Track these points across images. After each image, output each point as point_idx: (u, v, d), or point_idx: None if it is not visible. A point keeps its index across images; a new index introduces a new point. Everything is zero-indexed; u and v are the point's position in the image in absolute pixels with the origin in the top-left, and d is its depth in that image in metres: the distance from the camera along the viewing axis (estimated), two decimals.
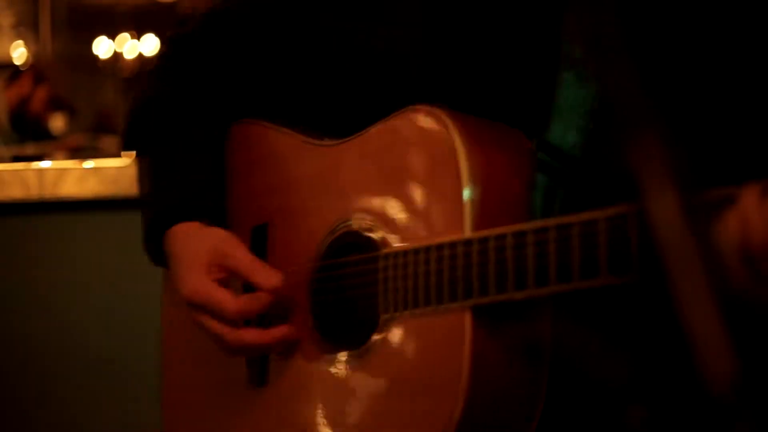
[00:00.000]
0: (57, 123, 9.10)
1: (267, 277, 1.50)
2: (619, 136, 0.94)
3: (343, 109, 1.57)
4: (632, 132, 0.94)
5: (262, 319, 1.54)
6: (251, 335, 1.51)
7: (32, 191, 2.80)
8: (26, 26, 13.18)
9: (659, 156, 0.93)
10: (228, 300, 1.50)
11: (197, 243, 1.56)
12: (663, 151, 0.93)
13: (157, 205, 1.64)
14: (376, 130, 1.46)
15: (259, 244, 1.59)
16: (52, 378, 2.83)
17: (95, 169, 2.82)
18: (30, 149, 7.67)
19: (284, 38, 1.64)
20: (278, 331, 1.51)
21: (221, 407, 1.62)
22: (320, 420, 1.48)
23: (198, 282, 1.52)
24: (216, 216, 1.61)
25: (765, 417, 0.89)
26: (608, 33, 0.98)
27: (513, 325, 1.34)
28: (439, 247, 1.35)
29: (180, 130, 1.67)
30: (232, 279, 1.54)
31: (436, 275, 1.35)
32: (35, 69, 9.75)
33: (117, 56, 13.91)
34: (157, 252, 1.63)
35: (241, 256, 1.52)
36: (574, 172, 1.40)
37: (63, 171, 2.82)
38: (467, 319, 1.32)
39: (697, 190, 0.94)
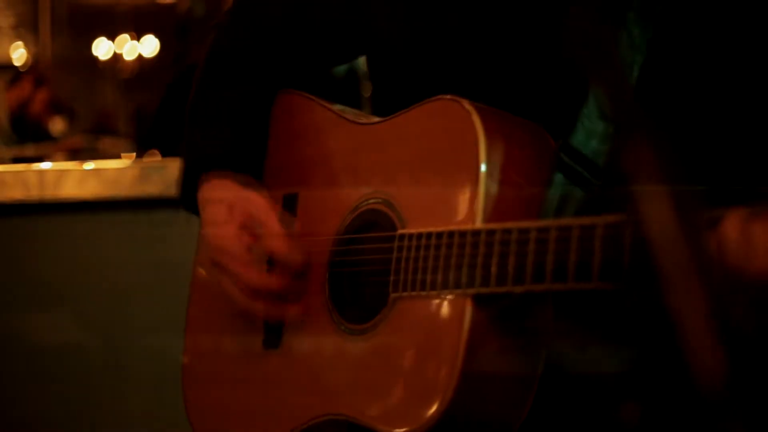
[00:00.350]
0: (57, 126, 9.11)
1: (290, 258, 1.57)
2: (619, 143, 0.95)
3: (380, 99, 1.66)
4: (627, 138, 0.95)
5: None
6: (263, 306, 1.59)
7: (33, 192, 2.81)
8: (26, 27, 13.19)
9: (653, 161, 0.94)
10: (252, 270, 1.58)
11: (234, 192, 1.63)
12: (656, 157, 0.94)
13: (200, 150, 1.70)
14: (404, 116, 1.52)
15: (289, 211, 1.66)
16: (52, 377, 2.85)
17: (95, 171, 2.83)
18: (29, 151, 7.68)
19: (322, 29, 1.70)
20: (291, 308, 1.59)
21: (237, 366, 1.69)
22: (324, 386, 1.54)
23: (229, 236, 1.59)
24: (254, 174, 1.68)
25: (753, 414, 0.91)
26: (604, 40, 1.00)
27: (512, 319, 1.38)
28: (450, 234, 1.39)
29: (238, 85, 1.73)
30: (258, 246, 1.60)
31: (444, 261, 1.40)
32: (36, 72, 9.76)
33: (117, 57, 13.90)
34: (190, 197, 1.69)
35: (274, 227, 1.58)
36: (593, 177, 1.43)
37: (63, 172, 2.83)
38: (468, 307, 1.36)
39: (689, 199, 0.95)
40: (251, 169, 1.69)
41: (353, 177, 1.58)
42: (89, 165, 2.88)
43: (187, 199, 1.71)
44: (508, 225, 1.34)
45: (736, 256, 1.16)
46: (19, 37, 12.86)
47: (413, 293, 1.43)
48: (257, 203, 1.60)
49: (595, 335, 1.41)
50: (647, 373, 1.41)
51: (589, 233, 1.26)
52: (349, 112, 1.65)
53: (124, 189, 2.79)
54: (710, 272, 0.93)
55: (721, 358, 0.89)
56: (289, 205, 1.67)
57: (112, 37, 13.85)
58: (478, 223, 1.37)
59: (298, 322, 1.60)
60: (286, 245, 1.57)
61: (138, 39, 13.78)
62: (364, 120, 1.62)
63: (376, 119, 1.59)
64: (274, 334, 1.63)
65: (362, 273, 1.53)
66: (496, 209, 1.37)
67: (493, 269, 1.34)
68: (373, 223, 1.52)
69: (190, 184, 1.69)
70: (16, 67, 11.60)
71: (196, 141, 1.72)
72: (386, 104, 1.59)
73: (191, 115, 1.75)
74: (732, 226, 1.17)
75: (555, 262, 1.28)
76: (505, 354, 1.37)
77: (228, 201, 1.61)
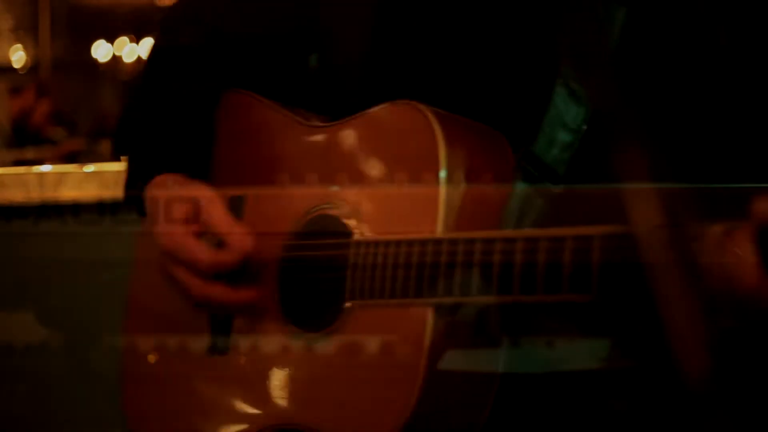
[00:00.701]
0: (57, 137, 9.11)
1: (240, 238, 1.51)
2: (606, 151, 0.96)
3: (332, 100, 1.60)
4: (618, 144, 0.96)
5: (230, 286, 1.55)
6: (218, 290, 1.52)
7: (33, 194, 2.82)
8: (25, 29, 13.19)
9: (643, 167, 0.95)
10: (202, 251, 1.51)
11: (179, 189, 1.58)
12: (647, 162, 0.96)
13: (145, 155, 1.66)
14: (361, 119, 1.48)
15: (235, 215, 1.59)
16: (51, 380, 2.85)
17: (95, 173, 2.84)
18: (29, 153, 7.69)
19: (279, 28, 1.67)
20: (244, 293, 1.52)
21: (181, 373, 1.64)
22: (275, 396, 1.49)
23: (174, 229, 1.53)
24: (200, 175, 1.63)
25: (739, 409, 0.92)
26: (595, 49, 1.01)
27: (475, 326, 1.36)
28: (410, 242, 1.36)
29: (180, 87, 1.69)
30: (207, 236, 1.55)
31: (403, 270, 1.37)
32: (39, 82, 9.78)
33: (116, 60, 13.90)
34: (138, 200, 1.65)
35: (219, 214, 1.53)
36: (553, 186, 1.42)
37: (63, 174, 2.84)
38: (429, 317, 1.34)
39: (677, 200, 0.96)
40: (196, 170, 1.64)
41: (306, 180, 1.53)
42: (89, 167, 2.89)
43: (133, 201, 1.66)
44: (472, 235, 1.32)
45: (716, 274, 1.14)
46: (18, 40, 12.86)
47: (370, 301, 1.40)
48: (202, 197, 1.54)
49: (572, 332, 1.41)
50: (633, 370, 1.41)
51: (557, 245, 1.24)
52: (301, 113, 1.60)
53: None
54: (697, 273, 0.94)
55: (707, 356, 0.91)
56: (235, 209, 1.61)
57: (111, 40, 13.85)
58: (439, 232, 1.34)
59: (247, 326, 1.55)
60: (233, 228, 1.51)
61: (137, 41, 13.78)
62: (316, 122, 1.56)
63: (331, 121, 1.54)
64: (220, 339, 1.59)
65: (315, 280, 1.48)
66: (457, 217, 1.35)
67: (456, 280, 1.32)
68: (327, 228, 1.48)
69: (135, 186, 1.64)
70: (15, 69, 11.61)
71: (141, 142, 1.67)
72: (341, 105, 1.54)
73: (136, 114, 1.70)
74: (711, 243, 1.15)
75: (522, 274, 1.26)
76: (467, 362, 1.36)
77: (173, 197, 1.56)
